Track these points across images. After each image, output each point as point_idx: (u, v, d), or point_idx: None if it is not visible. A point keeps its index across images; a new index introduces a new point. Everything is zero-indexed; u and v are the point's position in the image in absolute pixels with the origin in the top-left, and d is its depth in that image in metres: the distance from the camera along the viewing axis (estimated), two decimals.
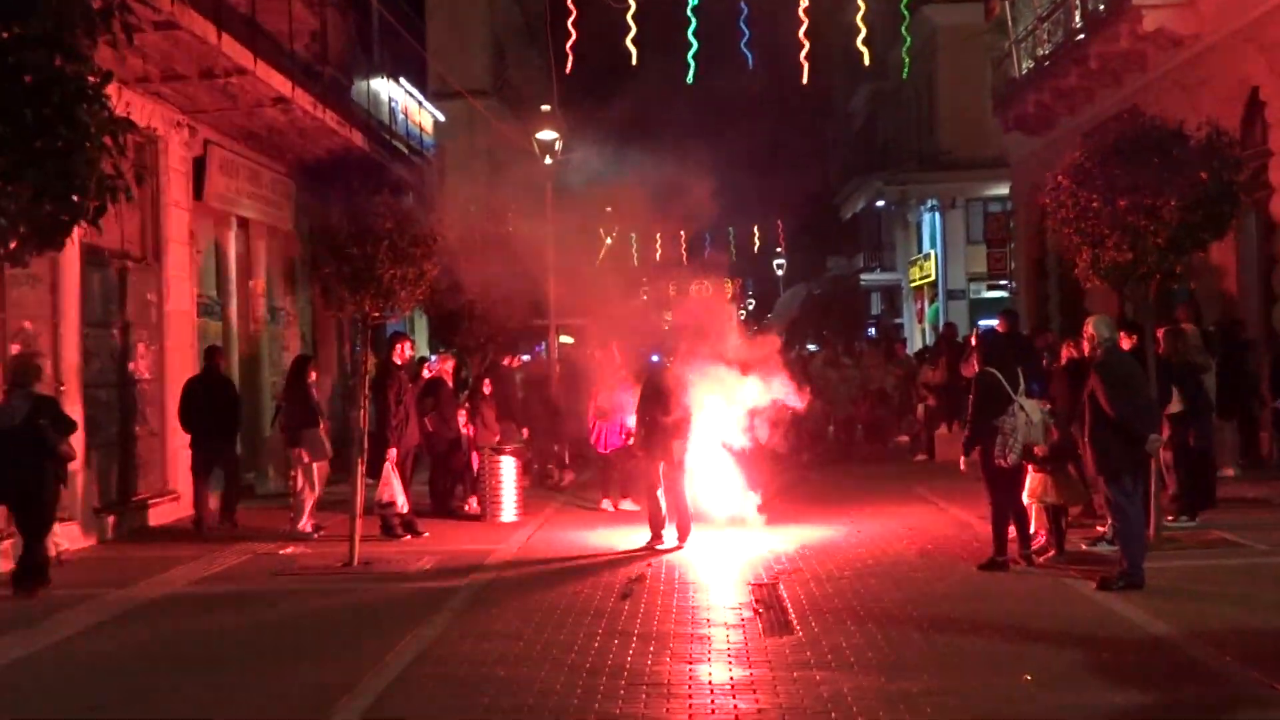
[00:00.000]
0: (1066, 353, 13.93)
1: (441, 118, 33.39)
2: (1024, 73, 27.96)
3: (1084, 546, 12.68)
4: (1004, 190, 36.63)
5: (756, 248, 45.73)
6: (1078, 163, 12.86)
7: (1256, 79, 19.81)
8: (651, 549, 14.10)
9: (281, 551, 14.24)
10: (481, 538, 15.10)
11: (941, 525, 14.98)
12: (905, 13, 22.64)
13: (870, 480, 20.07)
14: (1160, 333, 13.71)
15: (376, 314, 13.20)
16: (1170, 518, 13.56)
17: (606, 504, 17.18)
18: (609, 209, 31.89)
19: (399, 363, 15.19)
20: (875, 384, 24.54)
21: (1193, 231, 12.48)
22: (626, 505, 16.86)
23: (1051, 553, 12.34)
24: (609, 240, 32.78)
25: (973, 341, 15.11)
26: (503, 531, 15.60)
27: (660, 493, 14.51)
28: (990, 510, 12.25)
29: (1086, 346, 11.58)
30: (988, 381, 11.98)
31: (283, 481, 17.17)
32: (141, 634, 10.59)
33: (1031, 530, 12.34)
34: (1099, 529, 12.82)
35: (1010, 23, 28.10)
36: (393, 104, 29.11)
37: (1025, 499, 12.18)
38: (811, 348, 35.36)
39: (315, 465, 15.25)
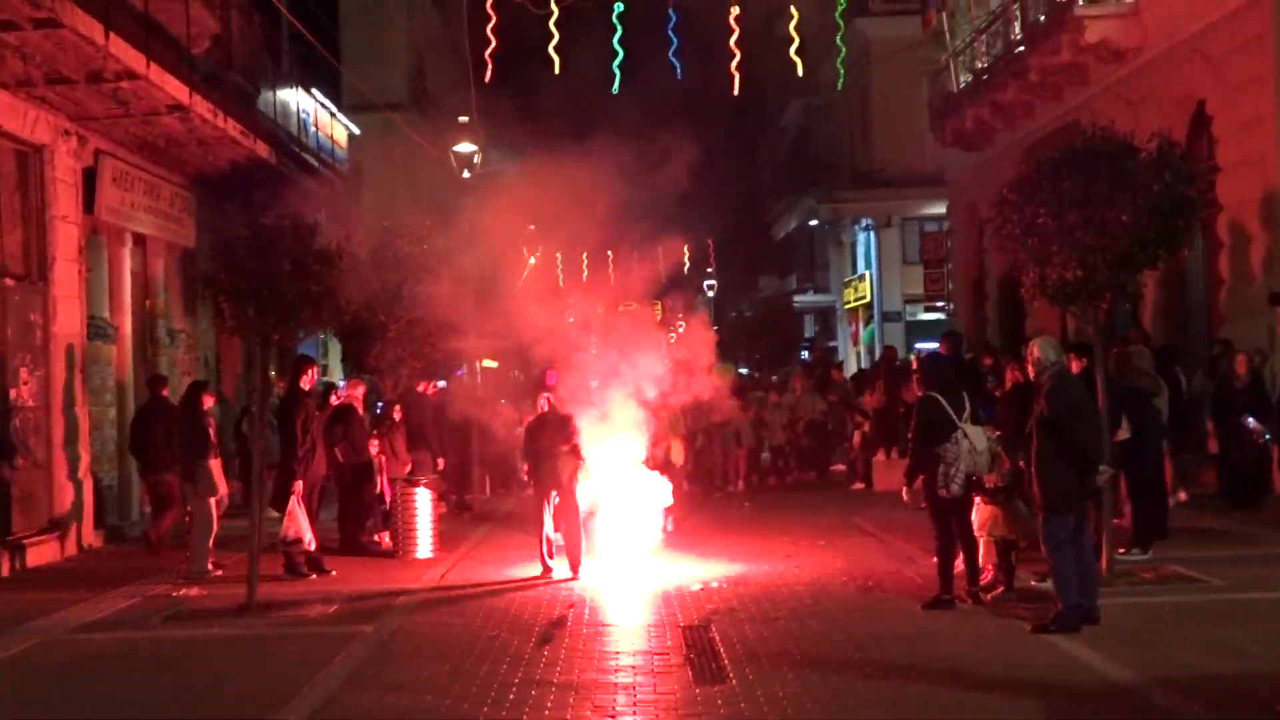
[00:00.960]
0: (1011, 376, 13.09)
1: (356, 130, 32.23)
2: (962, 87, 27.42)
3: (1034, 583, 11.83)
4: (941, 209, 36.10)
5: (686, 267, 44.86)
6: (1023, 176, 12.09)
7: (1202, 92, 19.27)
8: (545, 579, 13.62)
9: (174, 594, 13.12)
10: (393, 576, 14.05)
11: (882, 559, 14.11)
12: (840, 22, 21.90)
13: (806, 510, 19.23)
14: (1109, 354, 12.94)
15: (279, 335, 12.16)
16: (1122, 550, 12.80)
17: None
18: (532, 227, 31.00)
19: (306, 388, 14.11)
20: (808, 411, 23.72)
21: (1145, 247, 11.74)
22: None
23: (1000, 589, 11.50)
24: (532, 260, 31.81)
25: (914, 365, 14.29)
26: (416, 569, 14.56)
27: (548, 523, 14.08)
28: (936, 545, 11.41)
29: (1031, 370, 10.77)
30: (929, 406, 11.16)
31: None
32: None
33: (980, 565, 11.49)
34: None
35: (948, 35, 27.51)
36: (303, 115, 27.93)
37: (975, 532, 11.33)
38: (743, 370, 34.57)
39: (211, 500, 14.15)
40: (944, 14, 27.48)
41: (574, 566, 13.85)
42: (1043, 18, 22.68)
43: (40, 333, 16.01)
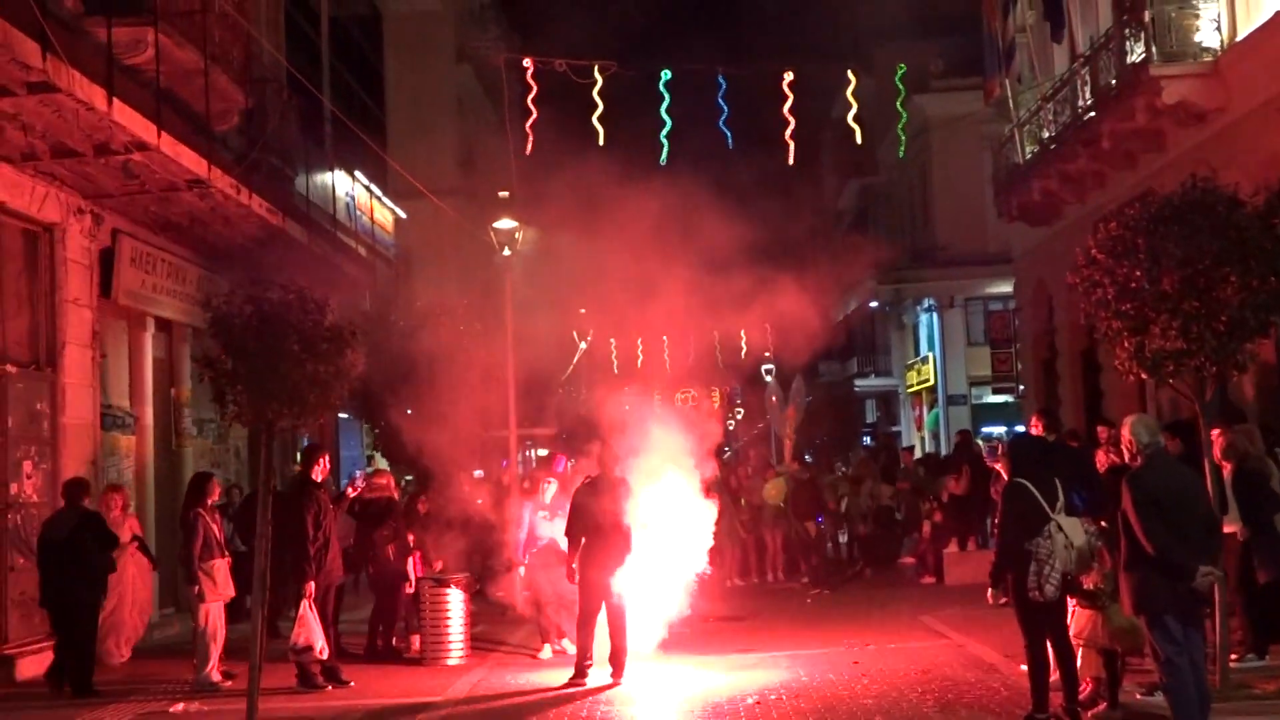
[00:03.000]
0: (1106, 460, 11.65)
1: (403, 215, 31.40)
2: (1027, 158, 26.09)
3: (1139, 696, 10.37)
4: (1005, 288, 34.68)
5: (744, 352, 43.65)
6: (1116, 233, 10.79)
7: None
8: (576, 685, 12.35)
9: (171, 709, 11.84)
10: (418, 686, 12.74)
11: (959, 666, 12.62)
12: (901, 87, 20.79)
13: (873, 606, 17.77)
14: (1216, 434, 11.50)
15: (283, 421, 10.99)
16: (1234, 656, 11.26)
17: (547, 651, 14.49)
18: (582, 310, 29.95)
19: (318, 480, 12.89)
20: (877, 499, 22.34)
21: (1257, 311, 10.39)
22: (567, 646, 14.24)
23: (1102, 706, 10.04)
24: (583, 344, 30.76)
25: (995, 463, 12.76)
26: (444, 677, 13.22)
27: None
28: (1026, 654, 9.96)
29: (1125, 454, 9.32)
30: (1018, 495, 9.72)
31: None
32: None
33: (1078, 679, 10.01)
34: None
35: (1012, 105, 26.26)
36: (349, 199, 27.14)
37: (1072, 640, 9.88)
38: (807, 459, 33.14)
39: (218, 605, 12.93)
40: (1007, 83, 26.25)
41: (618, 671, 12.58)
42: (1114, 81, 21.40)
43: (48, 423, 14.97)
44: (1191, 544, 8.44)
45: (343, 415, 26.69)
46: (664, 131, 19.14)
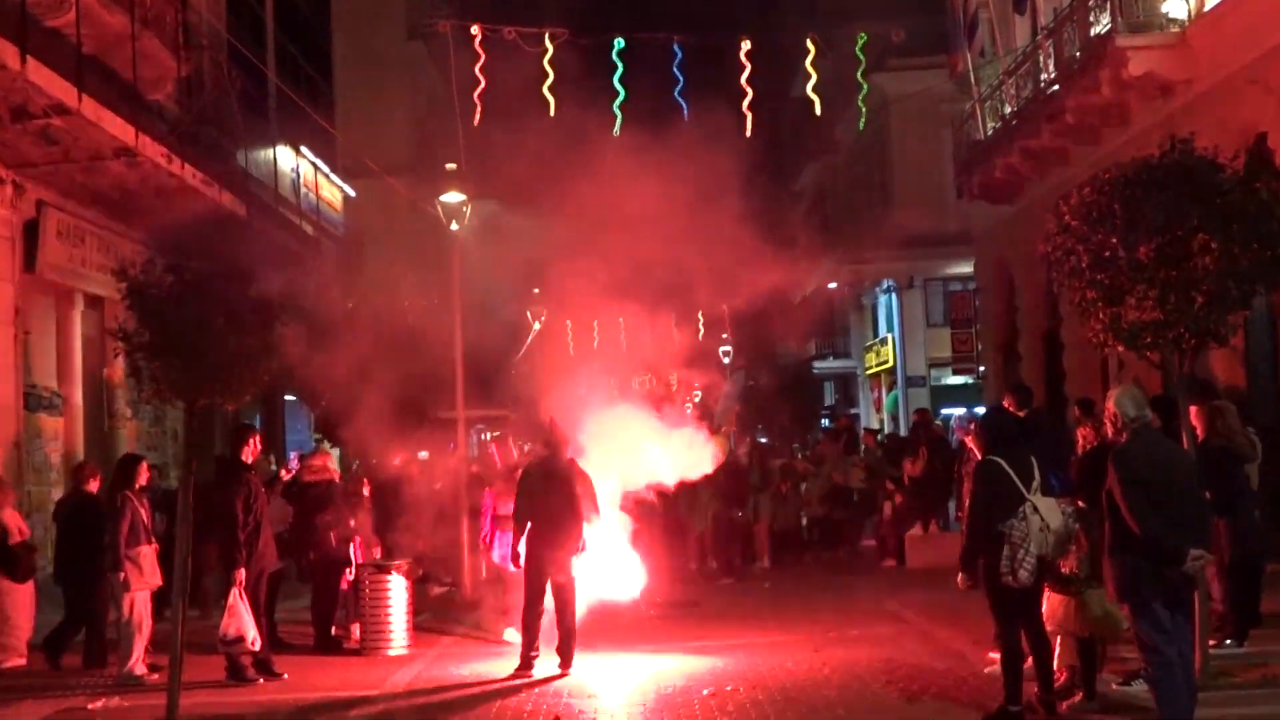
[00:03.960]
0: (1083, 436, 11.08)
1: (351, 192, 30.58)
2: (989, 134, 25.60)
3: (1115, 686, 9.84)
4: (966, 268, 34.20)
5: (701, 334, 43.08)
6: (1090, 199, 10.22)
7: (1263, 124, 17.39)
8: (523, 677, 11.70)
9: (90, 706, 11.11)
10: (355, 679, 12.06)
11: (925, 654, 12.04)
12: (861, 57, 20.18)
13: (833, 591, 17.23)
14: (1194, 411, 10.96)
15: (205, 400, 10.27)
16: (1213, 642, 10.72)
17: (511, 633, 13.61)
18: (536, 290, 29.26)
19: (248, 462, 12.17)
20: (842, 480, 21.74)
21: (1240, 281, 9.85)
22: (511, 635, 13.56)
23: (1078, 697, 9.49)
24: (537, 325, 30.08)
25: (965, 435, 12.17)
26: (384, 668, 12.54)
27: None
28: (998, 643, 9.39)
29: (1109, 428, 8.72)
30: (991, 474, 9.12)
31: None
32: None
33: (1053, 668, 9.46)
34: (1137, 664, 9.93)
35: (974, 79, 25.74)
36: (294, 175, 26.32)
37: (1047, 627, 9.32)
38: (763, 440, 32.60)
39: (144, 594, 12.20)
40: (969, 56, 25.72)
41: (566, 661, 11.95)
42: (1079, 53, 20.89)
43: None
44: (1181, 526, 7.83)
45: (289, 397, 25.97)
46: (617, 102, 18.47)
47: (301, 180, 26.88)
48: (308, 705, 10.98)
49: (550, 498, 12.08)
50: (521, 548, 12.23)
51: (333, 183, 29.68)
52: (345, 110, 33.09)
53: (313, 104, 26.69)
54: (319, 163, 27.98)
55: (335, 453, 22.51)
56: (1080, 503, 9.29)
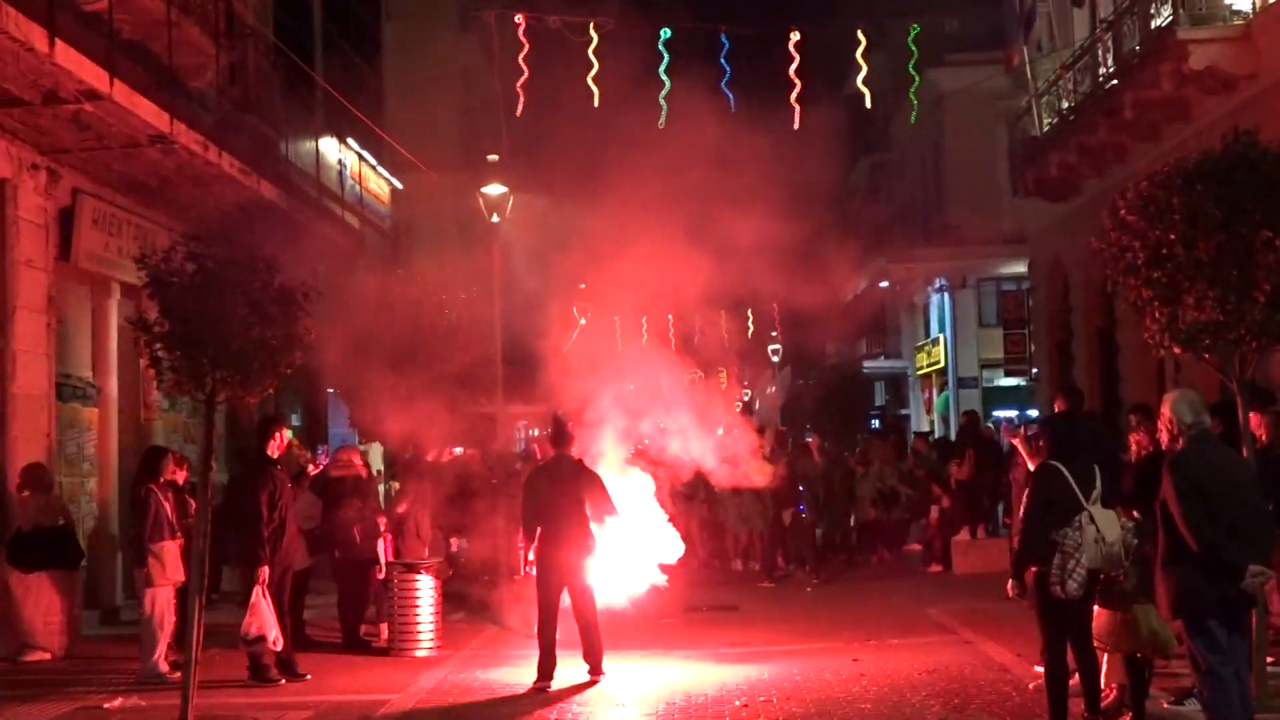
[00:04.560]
0: (1138, 444, 10.58)
1: (399, 185, 30.35)
2: (1045, 130, 25.01)
3: (1166, 705, 9.39)
4: (1020, 268, 33.57)
5: (750, 332, 42.61)
6: (1147, 193, 9.76)
7: None
8: (541, 687, 11.23)
9: (107, 705, 10.85)
10: (379, 681, 11.77)
11: (969, 666, 11.61)
12: (914, 49, 19.62)
13: (877, 597, 16.81)
14: (1255, 418, 10.46)
15: (226, 392, 9.97)
16: (1271, 660, 10.23)
17: None
18: (582, 286, 28.89)
19: (274, 456, 11.90)
20: (893, 482, 21.34)
21: None
22: None
23: (1127, 717, 9.02)
24: (583, 320, 29.72)
25: (1014, 438, 11.64)
26: (409, 671, 12.23)
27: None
28: (1043, 657, 8.95)
29: (1165, 435, 8.22)
30: (1050, 479, 8.63)
31: None
32: None
33: (1101, 686, 9.00)
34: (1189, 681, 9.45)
35: (1030, 74, 25.15)
36: (341, 167, 26.14)
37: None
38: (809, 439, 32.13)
39: (167, 589, 11.95)
40: (1025, 51, 25.12)
41: (595, 666, 11.56)
42: (1138, 46, 20.32)
43: None
44: (1240, 539, 7.34)
45: (331, 390, 25.76)
46: (663, 93, 18.05)
47: (348, 172, 26.70)
48: (325, 708, 10.65)
49: (558, 500, 11.69)
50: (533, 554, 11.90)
51: (380, 175, 29.47)
52: (395, 102, 32.85)
53: (361, 95, 26.49)
54: (365, 154, 27.77)
55: (378, 448, 22.33)
56: (1135, 514, 8.81)
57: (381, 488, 19.43)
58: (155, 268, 9.78)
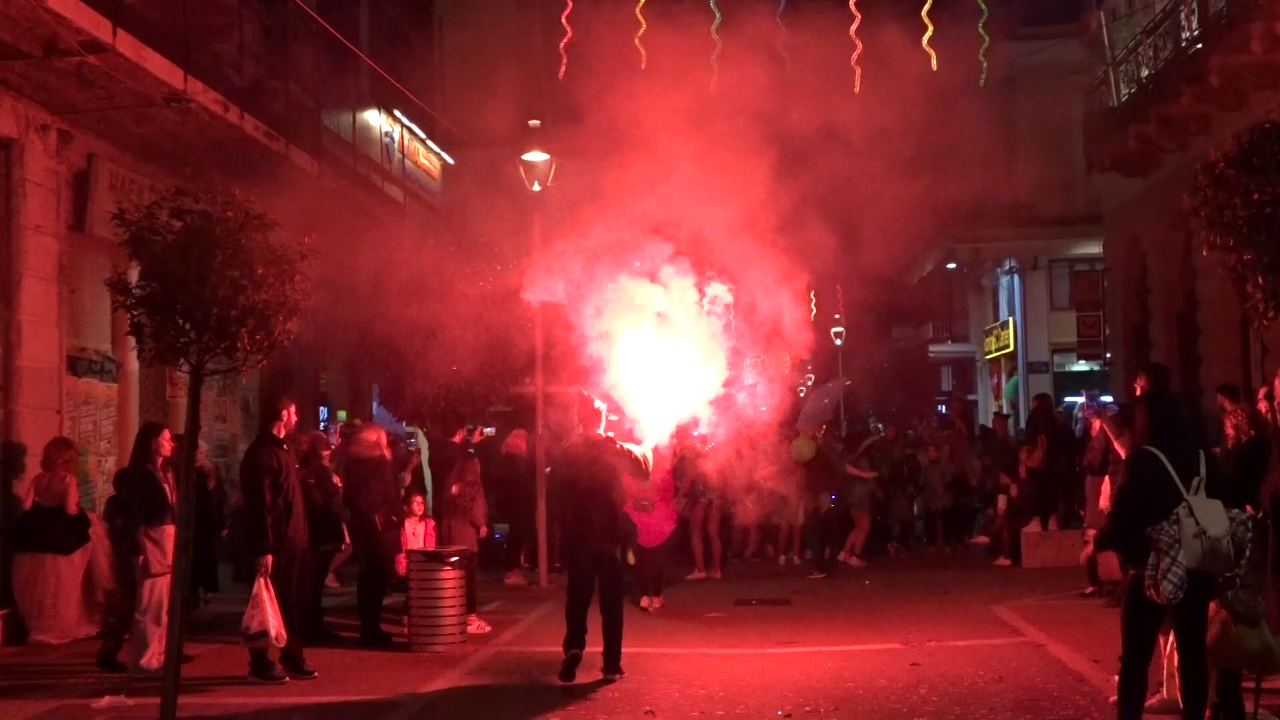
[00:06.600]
0: (1234, 428, 9.39)
1: (449, 160, 29.45)
2: (1123, 101, 23.68)
3: None
4: (1094, 249, 32.20)
5: (813, 314, 41.50)
6: (1249, 144, 8.62)
7: None
8: (566, 680, 10.51)
9: (94, 704, 9.97)
10: (391, 680, 10.82)
11: (1038, 673, 10.50)
12: (984, 6, 18.43)
13: (938, 592, 15.67)
14: None
15: (213, 362, 9.04)
16: None
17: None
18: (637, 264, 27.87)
19: (280, 436, 10.97)
20: (963, 470, 20.28)
21: None
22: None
23: None
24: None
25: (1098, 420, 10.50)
26: (427, 669, 11.27)
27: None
28: (1120, 668, 7.81)
29: (1275, 416, 7.07)
30: (1145, 465, 7.50)
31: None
32: None
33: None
34: None
35: (1107, 41, 23.81)
36: (388, 139, 25.28)
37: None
38: (877, 425, 30.99)
39: (165, 577, 11.05)
40: (1102, 15, 23.78)
41: (611, 664, 10.66)
42: (1225, 6, 18.99)
43: None
44: None
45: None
46: (714, 54, 16.96)
47: (396, 144, 25.84)
48: (332, 709, 9.76)
49: (586, 483, 10.83)
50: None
51: (430, 149, 28.58)
52: (447, 76, 31.93)
53: (411, 68, 25.65)
54: (414, 127, 26.88)
55: (420, 432, 21.43)
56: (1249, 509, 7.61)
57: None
58: (136, 224, 8.85)
